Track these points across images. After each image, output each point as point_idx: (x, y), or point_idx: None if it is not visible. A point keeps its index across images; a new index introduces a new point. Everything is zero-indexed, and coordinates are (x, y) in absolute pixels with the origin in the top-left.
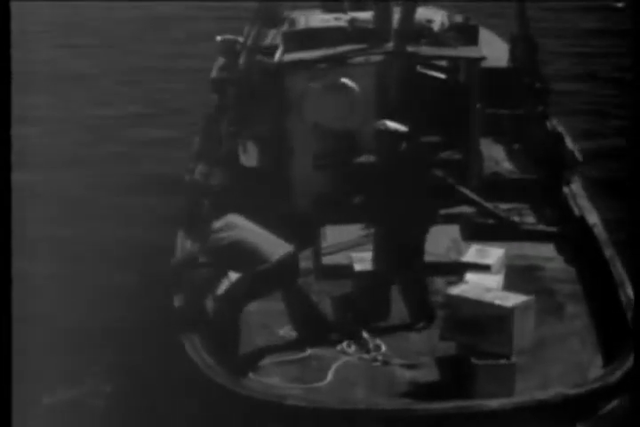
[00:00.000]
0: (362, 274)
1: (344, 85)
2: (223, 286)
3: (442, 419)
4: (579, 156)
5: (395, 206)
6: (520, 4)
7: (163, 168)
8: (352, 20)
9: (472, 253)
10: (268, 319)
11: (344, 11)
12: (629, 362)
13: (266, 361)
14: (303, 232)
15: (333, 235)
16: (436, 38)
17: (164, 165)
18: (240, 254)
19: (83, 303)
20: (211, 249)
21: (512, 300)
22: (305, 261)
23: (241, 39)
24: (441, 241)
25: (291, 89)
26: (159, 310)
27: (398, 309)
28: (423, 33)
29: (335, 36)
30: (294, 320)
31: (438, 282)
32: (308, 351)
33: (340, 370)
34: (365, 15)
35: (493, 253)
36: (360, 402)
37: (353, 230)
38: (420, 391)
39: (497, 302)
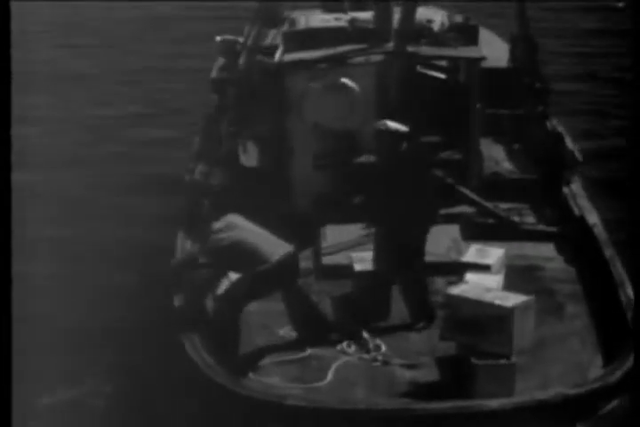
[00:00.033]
0: (362, 274)
1: (344, 85)
2: (223, 286)
3: (441, 419)
4: (579, 156)
5: (395, 206)
6: (520, 4)
7: (163, 168)
8: (352, 20)
9: (472, 253)
10: (267, 319)
11: (344, 11)
12: (629, 362)
13: (266, 361)
14: (303, 232)
15: (333, 235)
16: (436, 38)
17: (164, 165)
18: (240, 255)
19: (83, 303)
20: (211, 250)
21: (512, 300)
22: (305, 261)
23: (241, 39)
24: (441, 241)
25: (291, 89)
26: (159, 310)
27: (398, 309)
28: (423, 33)
29: (335, 36)
30: (294, 320)
31: (438, 282)
32: (308, 351)
33: (340, 370)
34: (365, 15)
35: (493, 253)
36: (360, 402)
37: (353, 230)
38: (420, 391)
39: (497, 302)
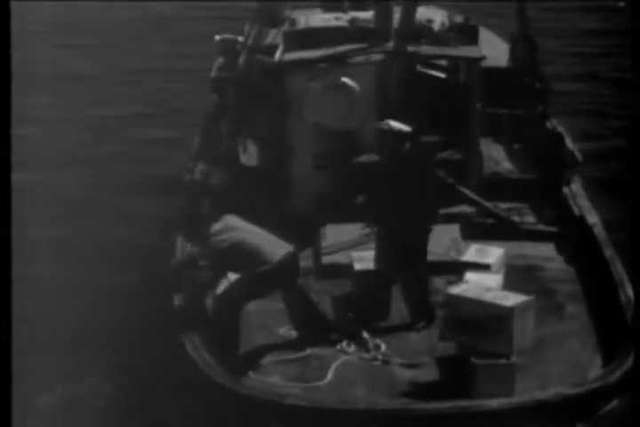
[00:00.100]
0: (362, 273)
1: (344, 85)
2: (223, 286)
3: (441, 419)
4: (578, 156)
5: (398, 206)
6: (520, 4)
7: (162, 168)
8: (352, 20)
9: (472, 253)
10: (267, 319)
11: (344, 10)
12: (629, 362)
13: (266, 360)
14: (303, 232)
15: (333, 234)
16: (436, 38)
17: (164, 165)
18: (241, 256)
19: (83, 303)
20: (211, 252)
21: (512, 300)
22: (305, 261)
23: (240, 38)
24: (441, 241)
25: (291, 89)
26: (159, 310)
27: (398, 308)
28: (423, 33)
29: (335, 35)
30: (294, 320)
31: (438, 282)
32: (308, 351)
33: (340, 369)
34: (366, 15)
35: (493, 253)
36: (360, 401)
37: (353, 230)
38: (420, 391)
39: (497, 301)
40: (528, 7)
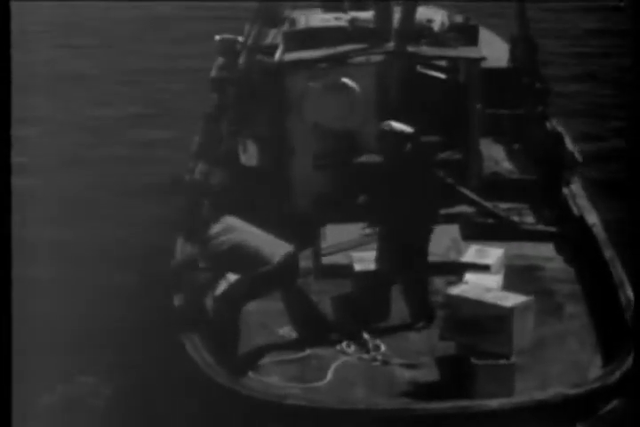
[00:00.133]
0: (362, 274)
1: (344, 85)
2: (223, 287)
3: (441, 419)
4: (578, 156)
5: (400, 207)
6: (520, 5)
7: (163, 169)
8: (352, 20)
9: (471, 253)
10: (267, 319)
11: (344, 10)
12: (629, 362)
13: (265, 360)
14: (303, 232)
15: (333, 235)
16: (436, 38)
17: (164, 166)
18: (241, 257)
19: (83, 303)
20: (211, 254)
21: (512, 300)
22: (305, 261)
23: (240, 38)
24: (441, 241)
25: (291, 89)
26: (159, 310)
27: (398, 309)
28: (423, 33)
29: (335, 35)
30: (294, 320)
31: (438, 282)
32: (308, 351)
33: (340, 370)
34: (366, 15)
35: (493, 253)
36: (359, 402)
37: (353, 230)
38: (420, 391)
39: (497, 302)
40: (528, 8)
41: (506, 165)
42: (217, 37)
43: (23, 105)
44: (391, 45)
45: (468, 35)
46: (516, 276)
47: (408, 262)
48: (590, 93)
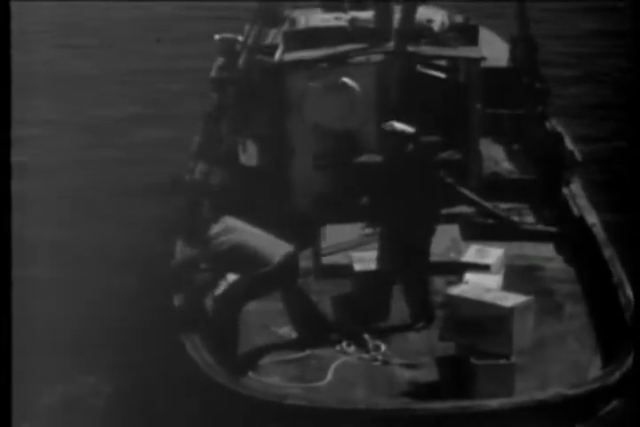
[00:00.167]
0: (362, 274)
1: (344, 85)
2: (223, 287)
3: (441, 419)
4: (578, 156)
5: (401, 207)
6: (520, 5)
7: (163, 170)
8: (352, 20)
9: (471, 253)
10: (267, 319)
11: (344, 10)
12: (628, 363)
13: (265, 360)
14: (303, 232)
15: (333, 235)
16: (436, 38)
17: (164, 166)
18: (241, 258)
19: (83, 303)
20: (211, 255)
21: (511, 300)
22: (305, 261)
23: (240, 37)
24: (440, 241)
25: (291, 89)
26: (159, 310)
27: (398, 309)
28: (423, 33)
29: (336, 35)
30: (294, 320)
31: (438, 282)
32: (308, 351)
33: (340, 370)
34: (366, 15)
35: (493, 253)
36: (360, 402)
37: (353, 230)
38: (420, 391)
39: (497, 302)
40: (528, 7)
41: (506, 165)
42: (216, 37)
43: (23, 105)
44: (391, 45)
45: (468, 35)
46: (516, 276)
47: (409, 262)
48: (590, 94)
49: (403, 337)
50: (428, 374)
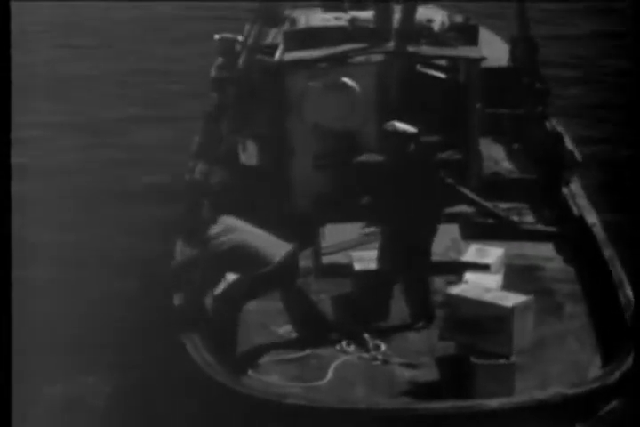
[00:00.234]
0: (362, 273)
1: (344, 85)
2: (223, 286)
3: (441, 418)
4: (578, 156)
5: (403, 207)
6: (520, 5)
7: (163, 171)
8: (352, 20)
9: (471, 253)
10: (267, 318)
11: (344, 10)
12: (628, 362)
13: (265, 359)
14: (303, 232)
15: (333, 234)
16: (436, 38)
17: (165, 168)
18: (241, 257)
19: (83, 304)
20: (211, 254)
21: (511, 300)
22: (305, 261)
23: (239, 37)
24: (440, 240)
25: (291, 88)
26: (159, 311)
27: (398, 308)
28: (423, 33)
29: (336, 35)
30: (294, 320)
31: (438, 282)
32: (308, 350)
33: (340, 369)
34: (366, 15)
35: (493, 253)
36: (360, 401)
37: (353, 230)
38: (420, 391)
39: (497, 301)
40: (528, 8)
41: (506, 165)
42: (216, 37)
43: (23, 106)
44: (391, 45)
45: (468, 34)
46: (516, 275)
47: (410, 262)
48: (590, 95)
49: (403, 337)
50: (428, 373)
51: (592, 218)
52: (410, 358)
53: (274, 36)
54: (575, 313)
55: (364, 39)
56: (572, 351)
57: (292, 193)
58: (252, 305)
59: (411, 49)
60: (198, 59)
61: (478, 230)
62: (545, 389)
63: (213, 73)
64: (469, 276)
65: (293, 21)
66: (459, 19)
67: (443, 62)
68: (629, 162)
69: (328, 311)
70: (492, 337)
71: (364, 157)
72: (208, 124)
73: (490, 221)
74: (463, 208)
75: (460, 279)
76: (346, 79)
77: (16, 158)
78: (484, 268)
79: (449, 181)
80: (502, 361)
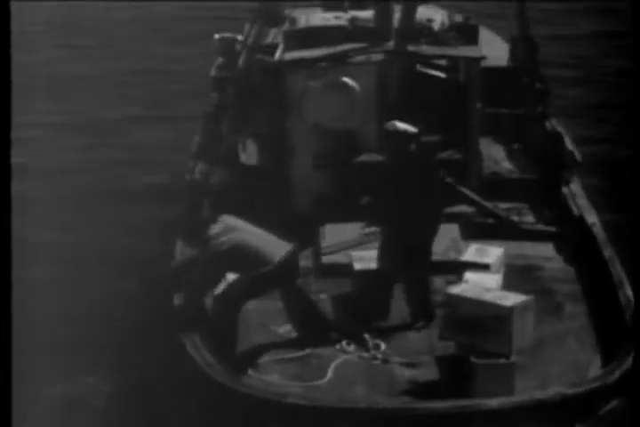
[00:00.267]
0: (362, 273)
1: (344, 84)
2: (223, 286)
3: (441, 418)
4: (578, 156)
5: (404, 207)
6: (520, 5)
7: (163, 172)
8: (352, 19)
9: (471, 253)
10: (266, 318)
11: (344, 10)
12: (628, 362)
13: (265, 359)
14: (303, 232)
15: (333, 234)
16: (436, 38)
17: (165, 168)
18: (241, 257)
19: (83, 304)
20: (211, 254)
21: (511, 299)
22: (305, 261)
23: (239, 37)
24: (440, 240)
25: (291, 88)
26: (159, 311)
27: (398, 308)
28: (423, 32)
29: (336, 34)
30: (293, 320)
31: (438, 281)
32: (308, 350)
33: (340, 368)
34: (366, 14)
35: (493, 253)
36: (359, 400)
37: (352, 229)
38: (420, 390)
39: (496, 301)
40: (528, 8)
41: (506, 165)
42: (216, 36)
43: (23, 106)
44: (391, 45)
45: (468, 34)
46: (516, 275)
47: (410, 262)
48: (590, 95)
49: (403, 336)
50: (428, 373)
51: (592, 218)
52: (410, 357)
53: (274, 35)
54: (575, 313)
55: (364, 39)
56: (571, 351)
57: (291, 193)
58: (251, 305)
59: (411, 48)
60: (198, 59)
61: (478, 230)
62: (545, 389)
63: (213, 73)
64: (469, 275)
65: (293, 21)
66: (459, 18)
67: (443, 62)
68: (629, 162)
69: (328, 311)
70: (491, 337)
71: (364, 157)
72: (208, 124)
73: (490, 221)
74: (463, 208)
75: (459, 279)
76: (346, 79)
77: (16, 158)
78: (483, 267)
79: (449, 180)
80: (502, 361)
